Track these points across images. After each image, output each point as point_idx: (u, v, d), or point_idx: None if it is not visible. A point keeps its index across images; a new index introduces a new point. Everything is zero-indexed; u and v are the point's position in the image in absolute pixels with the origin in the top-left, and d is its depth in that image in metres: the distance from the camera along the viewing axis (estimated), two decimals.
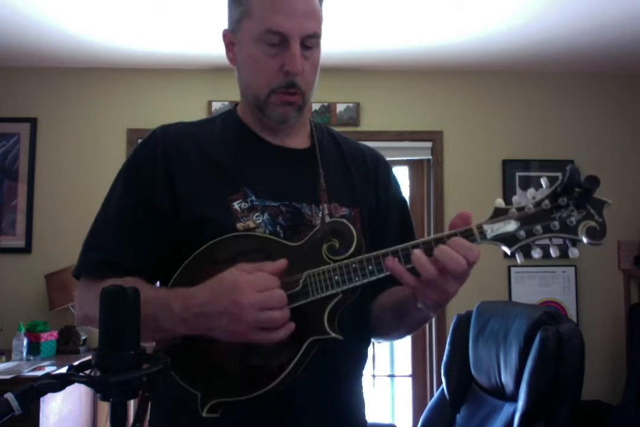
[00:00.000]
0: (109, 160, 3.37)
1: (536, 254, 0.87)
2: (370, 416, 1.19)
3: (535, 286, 3.52)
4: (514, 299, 3.48)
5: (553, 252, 0.87)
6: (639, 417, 2.94)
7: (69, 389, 0.69)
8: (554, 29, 3.04)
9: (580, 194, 0.85)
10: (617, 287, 3.56)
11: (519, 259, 0.88)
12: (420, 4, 2.76)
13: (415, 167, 3.74)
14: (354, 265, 0.92)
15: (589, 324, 3.48)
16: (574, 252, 0.87)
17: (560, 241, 0.88)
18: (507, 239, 0.87)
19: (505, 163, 3.62)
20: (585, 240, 0.86)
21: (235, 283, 0.91)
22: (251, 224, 1.05)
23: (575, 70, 3.67)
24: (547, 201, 0.87)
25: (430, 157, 3.65)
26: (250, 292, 0.89)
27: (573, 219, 0.86)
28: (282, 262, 0.93)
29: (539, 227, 0.86)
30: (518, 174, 3.60)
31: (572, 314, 3.51)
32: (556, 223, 0.86)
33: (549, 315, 2.00)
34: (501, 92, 3.69)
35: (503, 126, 3.67)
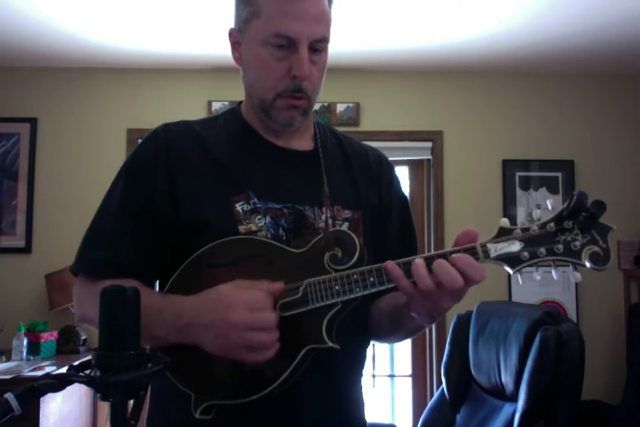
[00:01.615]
0: (109, 160, 3.37)
1: (537, 276, 0.87)
2: (370, 416, 1.19)
3: (535, 286, 3.51)
4: (514, 299, 3.48)
5: (555, 274, 0.87)
6: (639, 417, 2.94)
7: (69, 389, 0.69)
8: (554, 29, 3.04)
9: (586, 218, 0.84)
10: (617, 287, 3.55)
11: (520, 279, 0.88)
12: (420, 4, 2.76)
13: (415, 167, 3.74)
14: (355, 276, 0.92)
15: (589, 324, 3.48)
16: (576, 277, 0.86)
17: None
18: (510, 259, 0.87)
19: (505, 163, 3.62)
20: (588, 265, 0.85)
21: (227, 298, 0.90)
22: (253, 227, 1.04)
23: (575, 70, 3.67)
24: (552, 224, 0.86)
25: (430, 157, 3.64)
26: (241, 310, 0.88)
27: (577, 243, 0.85)
28: (279, 285, 0.92)
29: (542, 250, 0.86)
30: (518, 174, 3.60)
31: (572, 314, 3.51)
32: (560, 246, 0.86)
33: (549, 315, 2.00)
34: (501, 92, 3.69)
35: (503, 126, 3.66)
